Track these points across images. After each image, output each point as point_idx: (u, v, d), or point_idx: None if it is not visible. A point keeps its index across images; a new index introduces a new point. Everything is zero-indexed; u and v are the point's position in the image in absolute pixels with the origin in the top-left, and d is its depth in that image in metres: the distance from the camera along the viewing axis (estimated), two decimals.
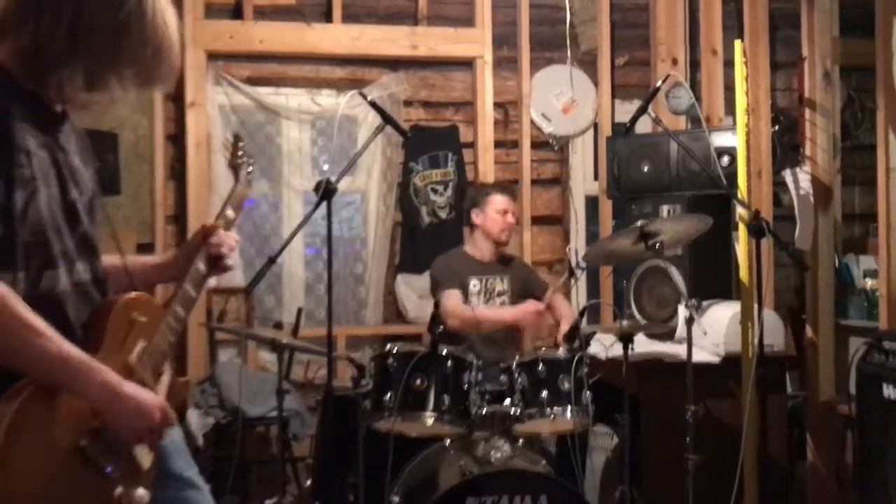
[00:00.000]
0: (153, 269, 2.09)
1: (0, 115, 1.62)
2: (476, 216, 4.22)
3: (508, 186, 4.44)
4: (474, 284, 4.21)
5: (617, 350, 3.44)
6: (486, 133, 5.06)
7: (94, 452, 1.64)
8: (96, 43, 1.68)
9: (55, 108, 1.77)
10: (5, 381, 1.57)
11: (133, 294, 1.82)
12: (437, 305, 3.34)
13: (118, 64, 1.72)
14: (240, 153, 2.24)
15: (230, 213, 2.13)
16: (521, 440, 3.37)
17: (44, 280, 1.66)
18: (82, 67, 1.69)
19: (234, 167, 2.23)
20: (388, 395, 3.14)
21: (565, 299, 4.46)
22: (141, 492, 1.72)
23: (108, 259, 1.89)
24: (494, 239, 4.21)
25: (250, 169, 2.27)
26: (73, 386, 1.62)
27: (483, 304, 4.17)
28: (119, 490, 1.69)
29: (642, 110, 3.40)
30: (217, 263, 2.07)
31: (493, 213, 4.18)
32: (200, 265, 2.00)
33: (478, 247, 4.27)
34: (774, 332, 3.93)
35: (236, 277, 4.81)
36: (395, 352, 3.22)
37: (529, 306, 4.05)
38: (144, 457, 1.78)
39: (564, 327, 4.03)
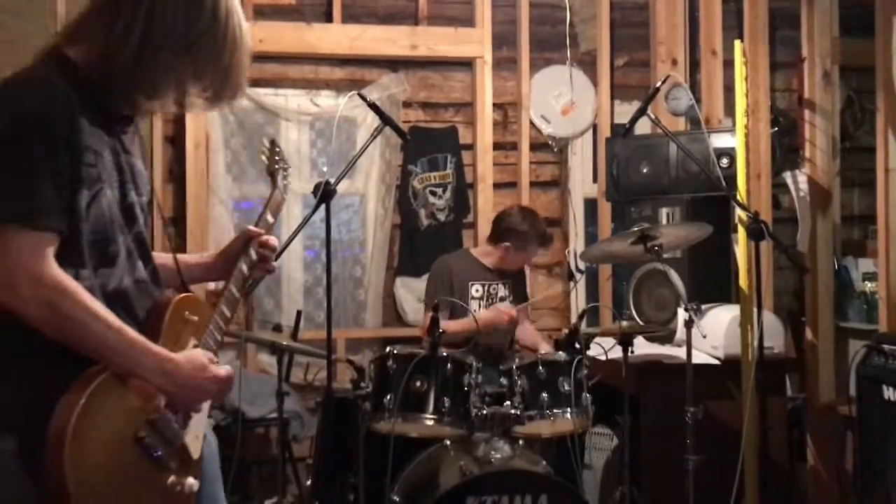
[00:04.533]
0: (195, 269, 2.16)
1: (70, 115, 1.67)
2: (510, 247, 4.18)
3: (548, 236, 4.34)
4: (476, 290, 4.22)
5: (616, 352, 3.44)
6: (485, 134, 5.04)
7: (151, 442, 1.73)
8: (165, 56, 1.73)
9: (122, 110, 1.81)
10: (76, 364, 1.66)
11: (185, 294, 1.91)
12: (435, 308, 3.33)
13: (185, 77, 1.78)
14: (277, 158, 2.32)
15: (270, 217, 2.20)
16: (521, 441, 3.37)
17: (99, 277, 1.73)
18: (149, 78, 1.74)
19: (272, 173, 2.31)
20: (388, 396, 3.13)
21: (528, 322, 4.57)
22: (191, 480, 1.81)
23: (158, 256, 1.98)
24: (509, 269, 4.28)
25: (287, 174, 2.35)
26: (139, 370, 1.72)
27: (484, 309, 4.19)
28: (172, 479, 1.78)
29: (641, 111, 3.40)
30: (262, 265, 2.15)
31: (526, 258, 4.27)
32: (244, 267, 2.07)
33: (488, 255, 4.27)
34: (774, 335, 3.93)
35: None
36: (394, 354, 3.22)
37: (499, 313, 4.10)
38: (195, 448, 1.87)
39: (543, 348, 4.12)
